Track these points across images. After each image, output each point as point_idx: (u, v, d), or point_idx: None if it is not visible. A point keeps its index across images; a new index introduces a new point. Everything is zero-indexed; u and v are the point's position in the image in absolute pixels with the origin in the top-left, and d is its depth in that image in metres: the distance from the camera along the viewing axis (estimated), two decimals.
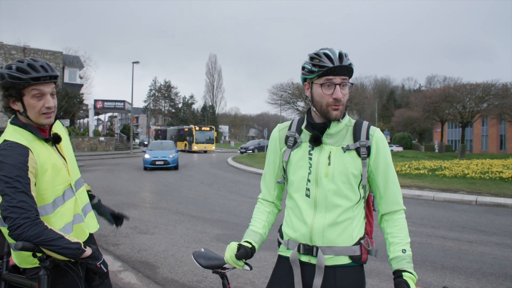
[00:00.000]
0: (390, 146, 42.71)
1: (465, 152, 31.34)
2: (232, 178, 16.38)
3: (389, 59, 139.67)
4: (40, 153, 1.80)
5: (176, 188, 12.82)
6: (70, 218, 1.92)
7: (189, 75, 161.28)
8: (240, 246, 1.77)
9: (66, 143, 2.05)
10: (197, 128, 44.36)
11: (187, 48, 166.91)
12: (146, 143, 65.74)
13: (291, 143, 1.80)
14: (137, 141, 67.40)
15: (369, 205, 1.86)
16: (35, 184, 1.74)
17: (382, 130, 48.39)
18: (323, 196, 1.69)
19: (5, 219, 1.60)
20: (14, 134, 1.78)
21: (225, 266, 1.82)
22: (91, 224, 2.11)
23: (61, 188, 1.88)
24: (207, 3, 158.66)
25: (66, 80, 38.01)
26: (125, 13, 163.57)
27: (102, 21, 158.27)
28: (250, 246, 1.79)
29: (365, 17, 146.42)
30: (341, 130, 1.75)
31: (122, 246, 6.02)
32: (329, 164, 1.69)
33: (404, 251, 1.65)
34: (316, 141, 1.72)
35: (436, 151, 42.19)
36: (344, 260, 1.69)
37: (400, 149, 46.01)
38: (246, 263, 1.77)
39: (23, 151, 1.71)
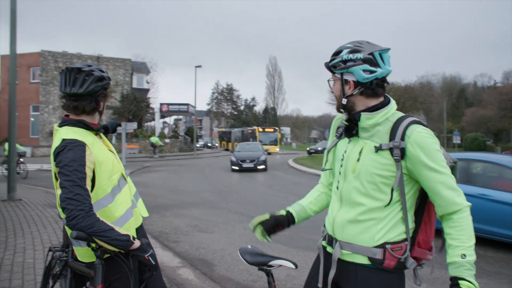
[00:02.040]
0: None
1: None
2: (292, 179, 16.31)
3: (459, 55, 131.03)
4: (95, 146, 1.95)
5: (236, 189, 13.02)
6: (129, 203, 2.10)
7: (248, 77, 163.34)
8: (271, 217, 1.90)
9: (106, 139, 2.23)
10: (260, 130, 44.30)
11: (245, 50, 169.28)
12: (209, 144, 66.98)
13: (339, 133, 1.80)
14: (201, 142, 68.92)
15: (429, 211, 1.69)
16: (91, 179, 1.88)
17: (451, 131, 45.60)
18: (347, 192, 1.67)
19: (63, 210, 1.74)
20: (70, 132, 1.93)
21: (270, 263, 1.80)
22: (142, 209, 2.32)
23: (116, 177, 2.04)
24: (263, 5, 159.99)
25: (134, 85, 40.01)
26: (184, 18, 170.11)
27: (163, 26, 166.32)
28: (284, 213, 1.90)
29: (430, 12, 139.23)
30: (379, 124, 1.63)
31: (182, 243, 6.22)
32: (358, 160, 1.63)
33: (463, 256, 1.47)
34: (347, 131, 1.70)
35: None
36: (363, 260, 1.60)
37: None
38: (290, 261, 1.76)
39: (81, 147, 1.86)
